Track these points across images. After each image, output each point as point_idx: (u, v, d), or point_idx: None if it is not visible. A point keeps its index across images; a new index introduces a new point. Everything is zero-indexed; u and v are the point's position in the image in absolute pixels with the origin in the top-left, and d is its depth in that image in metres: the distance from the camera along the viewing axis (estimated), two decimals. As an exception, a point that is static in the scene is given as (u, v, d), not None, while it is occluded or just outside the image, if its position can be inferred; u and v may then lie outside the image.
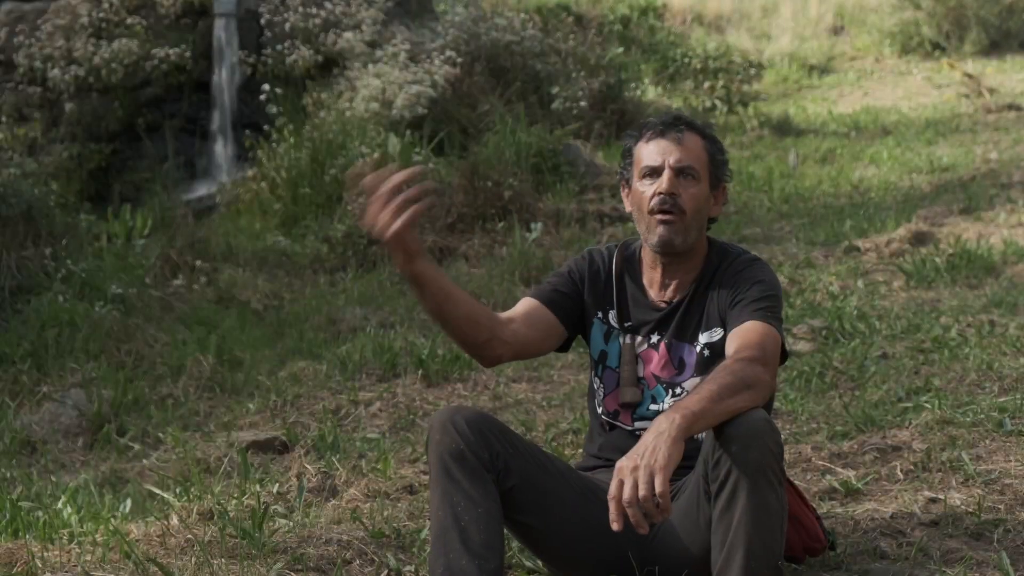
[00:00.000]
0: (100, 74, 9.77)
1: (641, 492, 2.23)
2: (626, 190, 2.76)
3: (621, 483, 2.25)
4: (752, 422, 2.34)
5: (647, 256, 2.77)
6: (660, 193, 2.64)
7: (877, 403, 4.11)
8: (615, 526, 2.26)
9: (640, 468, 2.24)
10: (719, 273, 2.71)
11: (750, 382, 2.39)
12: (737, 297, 2.64)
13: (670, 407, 2.36)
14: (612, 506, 2.26)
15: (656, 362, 2.73)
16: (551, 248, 7.29)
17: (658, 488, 2.22)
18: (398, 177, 2.47)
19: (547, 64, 10.17)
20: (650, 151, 2.68)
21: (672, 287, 2.74)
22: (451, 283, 2.63)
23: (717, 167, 2.72)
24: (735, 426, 2.34)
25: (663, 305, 2.74)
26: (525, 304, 2.77)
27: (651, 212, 2.65)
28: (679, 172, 2.65)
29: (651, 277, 2.77)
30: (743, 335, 2.54)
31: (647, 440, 2.28)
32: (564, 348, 2.85)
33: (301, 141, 8.66)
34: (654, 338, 2.74)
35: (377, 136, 8.52)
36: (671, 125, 2.70)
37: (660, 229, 2.64)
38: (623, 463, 2.27)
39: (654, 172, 2.66)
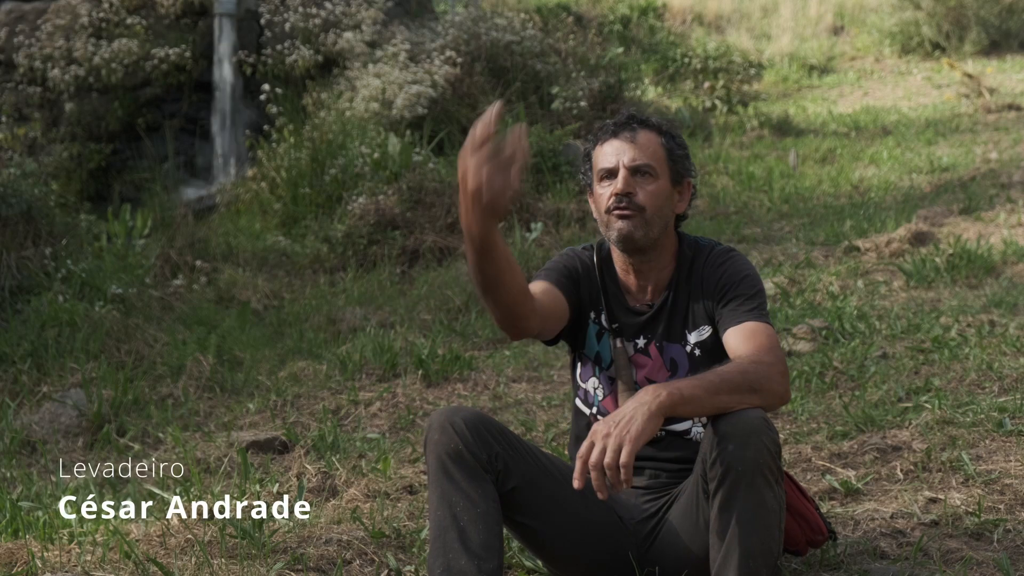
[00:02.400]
0: (100, 74, 9.76)
1: (607, 458, 2.24)
2: (590, 194, 2.76)
3: (592, 445, 2.28)
4: (749, 420, 2.34)
5: (617, 260, 2.76)
6: (616, 193, 2.64)
7: (877, 403, 4.11)
8: (576, 484, 2.29)
9: (612, 435, 2.26)
10: (696, 268, 2.69)
11: (759, 386, 2.38)
12: (727, 295, 2.62)
13: (660, 383, 2.36)
14: (578, 464, 2.28)
15: (650, 367, 2.72)
16: (551, 248, 7.30)
17: (623, 459, 2.24)
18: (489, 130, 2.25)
19: (547, 64, 10.17)
20: (605, 153, 2.68)
21: (650, 289, 2.73)
22: (510, 252, 2.45)
23: (677, 162, 2.69)
24: (732, 424, 2.34)
25: (645, 308, 2.73)
26: (539, 285, 2.69)
27: (608, 211, 2.66)
28: (634, 171, 2.65)
29: (626, 280, 2.76)
30: (751, 338, 2.52)
31: (627, 409, 2.29)
32: (554, 341, 2.79)
33: (301, 141, 8.66)
34: (641, 342, 2.73)
35: (377, 136, 8.52)
36: (623, 125, 2.69)
37: (619, 224, 2.64)
38: (598, 427, 2.29)
39: (610, 174, 2.67)
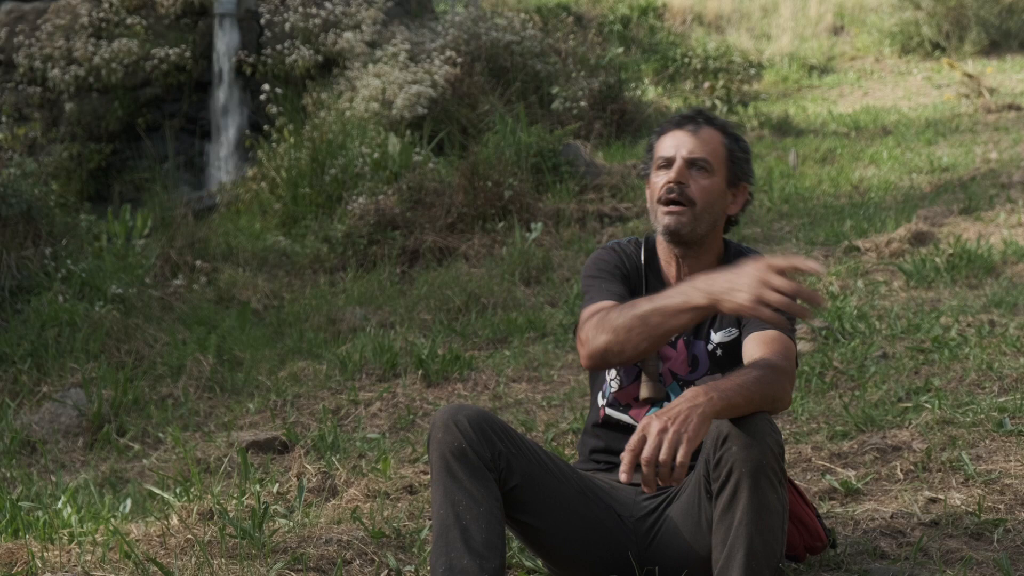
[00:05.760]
0: (100, 74, 9.77)
1: (663, 455, 2.22)
2: (648, 184, 2.79)
3: (644, 439, 2.25)
4: (753, 421, 2.34)
5: (663, 251, 2.78)
6: (669, 182, 2.66)
7: (877, 403, 4.11)
8: (623, 477, 2.26)
9: (669, 431, 2.23)
10: None
11: (777, 395, 2.42)
12: None
13: (706, 384, 2.34)
14: (627, 457, 2.25)
15: (674, 359, 2.73)
16: (551, 248, 7.30)
17: (681, 457, 2.22)
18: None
19: (547, 64, 10.17)
20: (666, 143, 2.72)
21: None
22: None
23: (736, 163, 2.72)
24: (736, 425, 2.34)
25: None
26: (610, 306, 2.65)
27: (659, 201, 2.68)
28: (691, 163, 2.67)
29: (668, 273, 2.78)
30: (769, 344, 2.54)
31: (681, 407, 2.27)
32: None
33: (301, 141, 8.67)
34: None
35: (377, 136, 8.53)
36: (689, 118, 2.73)
37: (667, 218, 2.66)
38: (650, 422, 2.26)
39: (668, 163, 2.69)
